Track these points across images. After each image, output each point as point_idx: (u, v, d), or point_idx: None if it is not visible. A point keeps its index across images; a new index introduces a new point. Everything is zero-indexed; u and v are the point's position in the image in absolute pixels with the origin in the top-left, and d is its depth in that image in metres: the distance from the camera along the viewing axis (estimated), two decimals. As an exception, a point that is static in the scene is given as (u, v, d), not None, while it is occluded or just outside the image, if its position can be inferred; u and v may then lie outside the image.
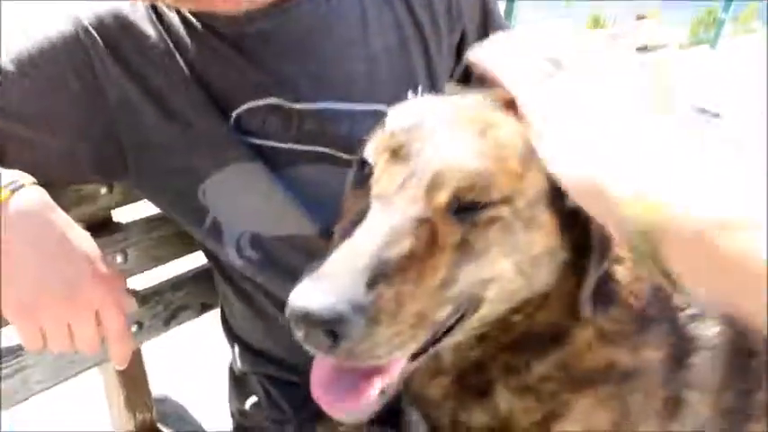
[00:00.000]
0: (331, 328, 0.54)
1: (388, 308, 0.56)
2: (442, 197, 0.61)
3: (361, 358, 0.57)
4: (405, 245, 0.58)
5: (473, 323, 0.68)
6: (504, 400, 0.76)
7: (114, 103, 0.87)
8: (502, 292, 0.66)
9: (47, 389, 1.03)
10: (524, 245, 0.64)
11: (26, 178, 0.75)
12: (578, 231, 0.68)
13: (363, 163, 0.68)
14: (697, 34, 7.78)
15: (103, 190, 1.05)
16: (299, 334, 0.57)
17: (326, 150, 0.90)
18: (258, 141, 0.89)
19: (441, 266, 0.60)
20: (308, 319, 0.54)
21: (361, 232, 0.60)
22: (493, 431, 0.77)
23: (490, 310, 0.68)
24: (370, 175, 0.67)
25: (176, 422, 1.35)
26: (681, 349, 0.81)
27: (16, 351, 0.99)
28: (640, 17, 6.63)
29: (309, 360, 0.69)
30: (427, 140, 0.64)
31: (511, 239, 0.63)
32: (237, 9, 0.84)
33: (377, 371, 0.63)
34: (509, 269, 0.64)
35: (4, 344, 0.97)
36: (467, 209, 0.62)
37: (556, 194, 0.66)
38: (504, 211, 0.63)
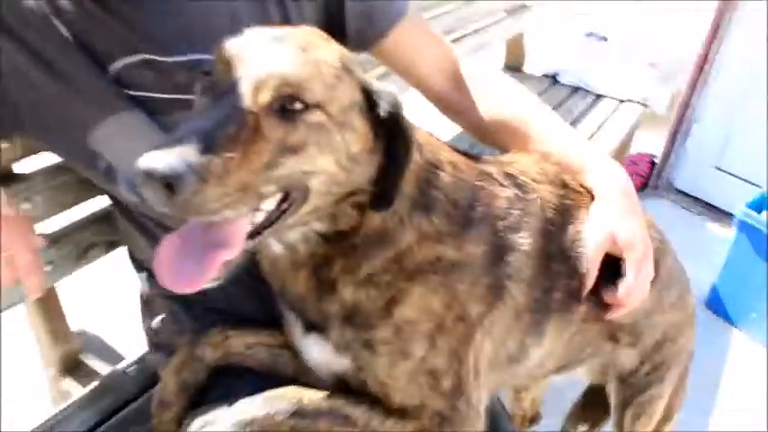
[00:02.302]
0: (169, 181, 0.65)
1: (215, 171, 0.67)
2: (265, 96, 0.74)
3: (196, 211, 0.68)
4: (232, 129, 0.70)
5: (307, 210, 0.83)
6: (347, 292, 0.93)
7: (6, 70, 0.97)
8: (326, 184, 0.80)
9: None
10: (341, 144, 0.79)
11: None
12: (390, 138, 0.85)
13: (207, 74, 0.81)
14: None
15: (5, 144, 1.16)
16: (144, 193, 0.67)
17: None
18: (136, 93, 1.01)
19: (264, 152, 0.73)
20: (150, 175, 0.65)
21: (196, 118, 0.74)
22: (348, 318, 0.94)
23: (318, 199, 0.82)
24: (209, 83, 0.80)
25: (98, 351, 1.49)
26: (498, 248, 1.00)
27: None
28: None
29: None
30: (255, 53, 0.78)
31: (326, 139, 0.78)
32: None
33: (219, 245, 0.76)
34: (329, 164, 0.79)
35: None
36: (288, 110, 0.75)
37: (370, 105, 0.83)
38: (317, 115, 0.77)
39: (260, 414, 0.94)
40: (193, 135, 0.69)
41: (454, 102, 1.23)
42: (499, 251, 1.00)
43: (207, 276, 0.76)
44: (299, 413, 0.94)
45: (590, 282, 1.07)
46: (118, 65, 0.99)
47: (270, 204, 0.79)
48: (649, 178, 3.61)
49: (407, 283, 0.93)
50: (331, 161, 0.80)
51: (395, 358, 0.94)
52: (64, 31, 0.97)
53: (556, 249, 1.06)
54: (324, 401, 0.96)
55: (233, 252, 0.77)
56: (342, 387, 0.99)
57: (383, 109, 0.84)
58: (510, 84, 1.25)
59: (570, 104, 2.79)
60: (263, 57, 0.78)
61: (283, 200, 0.81)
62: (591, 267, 1.07)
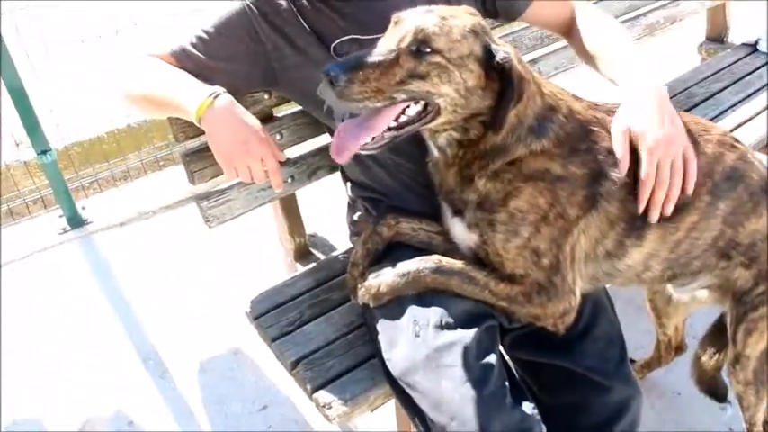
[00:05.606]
0: (330, 79, 1.17)
1: (358, 78, 1.18)
2: (405, 41, 1.22)
3: (345, 99, 1.19)
4: (378, 57, 1.21)
5: (442, 121, 1.28)
6: (481, 184, 1.35)
7: (270, 49, 1.54)
8: (451, 104, 1.25)
9: (242, 214, 1.77)
10: (458, 78, 1.24)
11: (221, 89, 1.42)
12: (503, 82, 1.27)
13: None
14: None
15: (266, 96, 1.74)
16: (322, 89, 1.21)
17: None
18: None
19: (397, 74, 1.21)
20: (324, 74, 1.18)
21: (366, 51, 1.24)
22: (480, 203, 1.36)
23: (449, 115, 1.27)
24: None
25: (321, 247, 2.07)
26: (596, 173, 1.36)
27: (225, 191, 1.72)
28: None
29: (389, 189, 1.45)
30: (409, 18, 1.26)
31: (446, 73, 1.22)
32: None
33: (367, 128, 1.26)
34: (450, 90, 1.24)
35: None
36: (420, 52, 1.21)
37: (488, 57, 1.26)
38: (438, 57, 1.22)
39: (412, 269, 1.42)
40: (356, 58, 1.21)
41: (568, 40, 1.68)
42: (596, 176, 1.36)
43: (356, 148, 1.27)
44: (438, 270, 1.40)
45: (623, 165, 1.36)
46: (335, 42, 1.51)
47: (412, 111, 1.27)
48: None
49: (522, 183, 1.34)
50: (451, 89, 1.25)
51: (508, 236, 1.35)
52: (303, 23, 1.52)
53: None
54: (457, 265, 1.41)
55: (376, 134, 1.26)
56: (474, 262, 1.43)
57: (496, 61, 1.26)
58: (603, 25, 1.64)
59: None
60: (413, 19, 1.26)
61: (424, 111, 1.27)
62: (617, 150, 1.36)
